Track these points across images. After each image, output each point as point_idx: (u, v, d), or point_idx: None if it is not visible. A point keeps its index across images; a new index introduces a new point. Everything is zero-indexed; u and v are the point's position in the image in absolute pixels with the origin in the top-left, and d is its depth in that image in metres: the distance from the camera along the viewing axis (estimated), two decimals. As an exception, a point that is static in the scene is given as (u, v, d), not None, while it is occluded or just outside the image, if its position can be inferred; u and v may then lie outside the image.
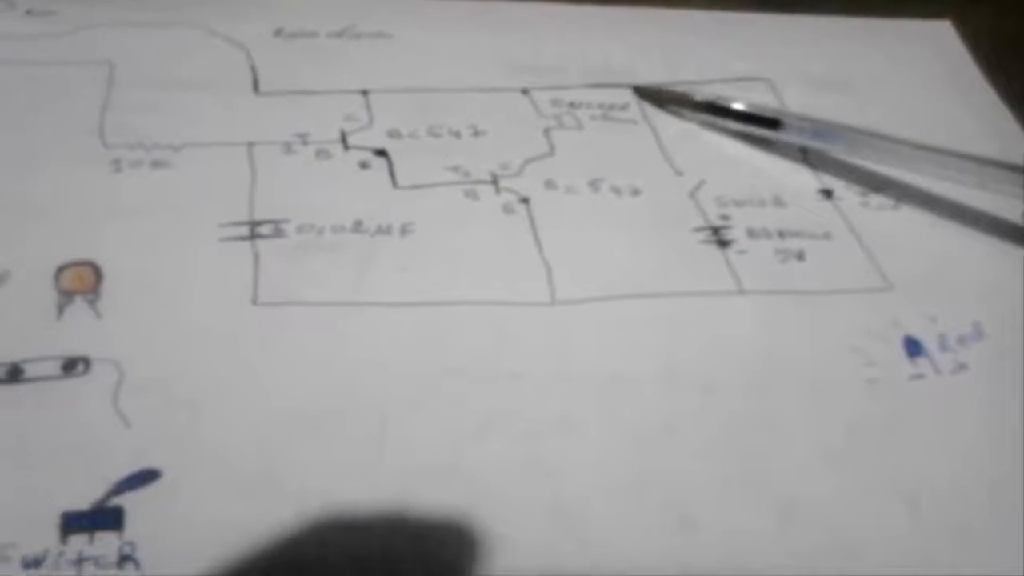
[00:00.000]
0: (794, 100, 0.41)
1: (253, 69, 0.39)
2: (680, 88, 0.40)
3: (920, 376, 0.32)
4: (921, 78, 0.42)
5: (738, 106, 0.39)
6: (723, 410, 0.30)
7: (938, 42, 0.44)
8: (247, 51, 0.40)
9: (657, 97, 0.40)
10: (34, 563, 0.25)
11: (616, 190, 0.36)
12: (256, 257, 0.32)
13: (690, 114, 0.39)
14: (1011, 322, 0.33)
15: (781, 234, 0.35)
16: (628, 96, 0.40)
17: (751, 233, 0.35)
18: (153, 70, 0.38)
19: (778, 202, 0.37)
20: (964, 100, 0.42)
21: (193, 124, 0.36)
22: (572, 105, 0.39)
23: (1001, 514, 0.29)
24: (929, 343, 0.33)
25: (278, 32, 0.41)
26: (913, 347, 0.32)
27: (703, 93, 0.40)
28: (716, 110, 0.39)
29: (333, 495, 0.27)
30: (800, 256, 0.35)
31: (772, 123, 0.38)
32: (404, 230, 0.34)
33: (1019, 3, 0.46)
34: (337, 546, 0.27)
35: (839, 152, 0.38)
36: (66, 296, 0.31)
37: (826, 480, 0.29)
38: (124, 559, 0.25)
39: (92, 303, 0.31)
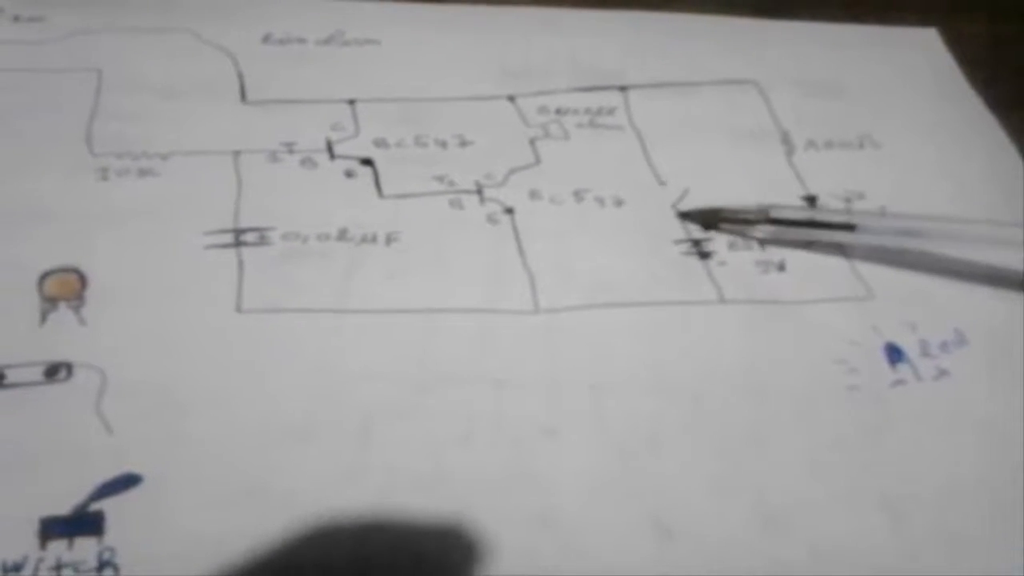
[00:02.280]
0: (782, 103, 0.41)
1: (240, 77, 0.39)
2: (733, 206, 0.36)
3: (901, 382, 0.32)
4: (908, 84, 0.42)
5: (801, 215, 0.35)
6: (706, 418, 0.30)
7: (925, 49, 0.44)
8: (235, 58, 0.40)
9: (708, 220, 0.36)
10: (14, 569, 0.25)
11: (600, 200, 0.36)
12: (240, 264, 0.33)
13: (758, 230, 0.35)
14: (994, 327, 0.33)
15: (762, 244, 0.35)
16: (616, 99, 0.40)
17: (732, 245, 0.35)
18: (141, 77, 0.38)
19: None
20: (951, 105, 0.42)
21: (181, 133, 0.36)
22: (559, 112, 0.39)
23: (983, 519, 0.29)
24: (910, 350, 0.33)
25: (266, 38, 0.41)
26: (894, 354, 0.32)
27: (760, 208, 0.36)
28: (777, 222, 0.35)
29: (317, 502, 0.27)
30: (781, 267, 0.35)
31: (847, 227, 0.35)
32: (389, 239, 0.34)
33: (1002, 12, 0.46)
34: (320, 552, 0.27)
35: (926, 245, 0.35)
36: (50, 302, 0.31)
37: (808, 488, 0.29)
38: (104, 565, 0.26)
39: (76, 309, 0.31)
